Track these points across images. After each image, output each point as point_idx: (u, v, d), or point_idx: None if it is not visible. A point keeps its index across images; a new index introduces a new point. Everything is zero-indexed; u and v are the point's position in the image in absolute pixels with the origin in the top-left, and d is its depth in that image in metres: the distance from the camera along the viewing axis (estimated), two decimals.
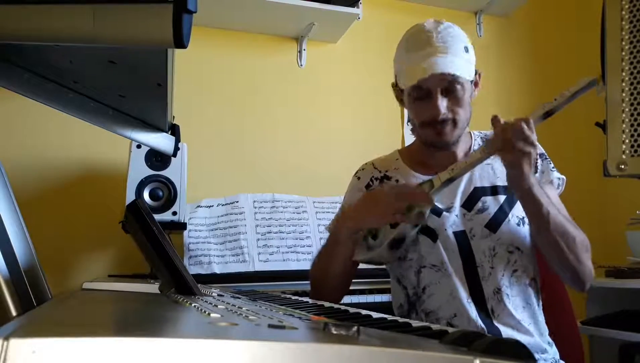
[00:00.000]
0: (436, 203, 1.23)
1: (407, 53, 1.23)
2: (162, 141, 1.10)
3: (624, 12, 0.68)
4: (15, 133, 2.07)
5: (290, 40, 2.48)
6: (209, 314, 0.47)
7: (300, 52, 2.46)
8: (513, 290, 1.20)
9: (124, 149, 1.89)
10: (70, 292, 0.90)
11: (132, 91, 0.90)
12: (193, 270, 1.84)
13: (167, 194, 1.82)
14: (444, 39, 1.20)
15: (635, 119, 0.66)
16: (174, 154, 1.17)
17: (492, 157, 1.14)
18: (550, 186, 1.26)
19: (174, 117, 1.14)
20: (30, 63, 0.83)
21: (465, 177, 1.25)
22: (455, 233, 1.22)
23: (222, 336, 0.35)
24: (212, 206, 2.03)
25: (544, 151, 1.30)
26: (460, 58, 1.20)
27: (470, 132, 1.36)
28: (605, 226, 2.48)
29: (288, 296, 1.15)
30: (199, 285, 0.84)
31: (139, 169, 1.81)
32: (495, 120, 1.09)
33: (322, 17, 2.27)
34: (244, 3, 2.17)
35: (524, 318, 1.19)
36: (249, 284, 1.78)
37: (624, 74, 0.67)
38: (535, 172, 1.27)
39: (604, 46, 0.70)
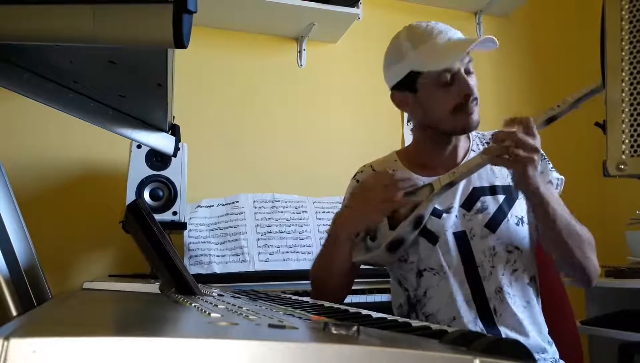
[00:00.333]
0: (436, 205, 1.23)
1: (421, 45, 1.21)
2: (162, 141, 1.10)
3: (624, 12, 0.68)
4: (15, 133, 2.08)
5: (290, 40, 2.48)
6: (209, 314, 0.47)
7: (300, 52, 2.47)
8: (513, 289, 1.21)
9: (124, 149, 1.89)
10: (71, 292, 0.91)
11: (132, 91, 0.90)
12: (193, 270, 1.84)
13: (167, 194, 1.82)
14: (444, 25, 1.24)
15: (635, 119, 0.66)
16: (174, 154, 1.16)
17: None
18: (550, 186, 1.26)
19: (174, 117, 1.14)
20: (30, 63, 0.83)
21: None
22: (455, 234, 1.23)
23: (222, 336, 0.35)
24: (212, 206, 2.03)
25: (543, 152, 1.30)
26: None
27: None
28: (605, 226, 2.48)
29: (288, 296, 1.14)
30: (199, 284, 0.84)
31: (139, 169, 1.81)
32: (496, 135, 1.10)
33: (322, 17, 2.27)
34: (244, 3, 2.17)
35: (524, 318, 1.19)
36: (249, 284, 1.78)
37: (623, 74, 0.67)
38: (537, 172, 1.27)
39: (603, 46, 0.70)
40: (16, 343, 0.28)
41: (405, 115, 2.47)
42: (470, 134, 1.36)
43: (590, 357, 2.24)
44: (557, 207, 1.12)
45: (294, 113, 2.44)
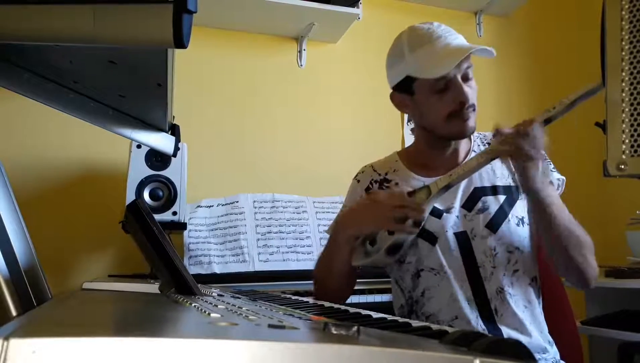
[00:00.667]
0: (436, 204, 1.23)
1: (418, 49, 1.20)
2: (162, 141, 1.10)
3: (624, 12, 0.68)
4: (15, 133, 2.07)
5: (290, 40, 2.48)
6: (209, 314, 0.47)
7: (300, 52, 2.46)
8: (514, 290, 1.21)
9: (124, 149, 1.89)
10: (70, 292, 0.91)
11: (132, 91, 0.89)
12: (193, 270, 1.84)
13: (167, 194, 1.82)
14: (445, 27, 1.23)
15: (635, 119, 0.66)
16: (174, 154, 1.16)
17: (492, 161, 1.14)
18: (551, 187, 1.26)
19: (174, 117, 1.13)
20: (30, 63, 0.83)
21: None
22: (456, 234, 1.23)
23: (222, 336, 0.35)
24: (212, 206, 2.03)
25: (544, 152, 1.30)
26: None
27: None
28: (605, 226, 2.48)
29: (288, 296, 1.15)
30: (199, 285, 0.84)
31: (139, 169, 1.81)
32: (497, 133, 1.10)
33: (322, 17, 2.27)
34: (244, 3, 2.17)
35: (525, 318, 1.19)
36: (249, 284, 1.78)
37: (624, 74, 0.67)
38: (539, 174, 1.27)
39: (604, 46, 0.70)
40: (16, 344, 0.28)
41: (406, 115, 2.48)
42: (471, 135, 1.36)
43: (590, 357, 2.24)
44: (558, 209, 1.13)
45: (294, 113, 2.44)
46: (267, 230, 1.99)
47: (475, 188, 1.26)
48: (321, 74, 2.50)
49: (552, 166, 1.30)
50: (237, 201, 2.04)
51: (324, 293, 1.29)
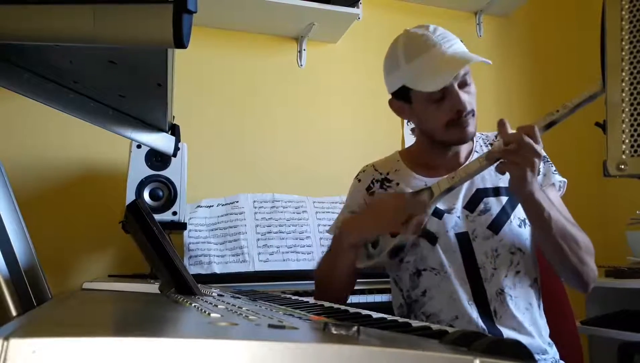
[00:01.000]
0: (438, 205, 1.23)
1: (414, 59, 1.19)
2: (162, 141, 1.10)
3: (624, 12, 0.68)
4: (15, 133, 2.07)
5: (290, 40, 2.48)
6: (209, 314, 0.47)
7: (300, 52, 2.46)
8: (516, 291, 1.20)
9: (124, 149, 1.89)
10: (70, 292, 0.91)
11: (132, 91, 0.89)
12: (193, 270, 1.84)
13: (167, 194, 1.82)
14: (443, 32, 1.21)
15: (635, 119, 0.66)
16: (174, 154, 1.16)
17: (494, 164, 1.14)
18: (552, 189, 1.26)
19: (174, 117, 1.13)
20: (30, 63, 0.83)
21: None
22: (457, 235, 1.22)
23: (222, 336, 0.35)
24: (212, 206, 2.03)
25: (545, 154, 1.30)
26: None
27: None
28: (605, 226, 2.48)
29: (288, 296, 1.15)
30: (199, 285, 0.84)
31: (139, 169, 1.81)
32: (500, 125, 1.09)
33: (322, 17, 2.27)
34: (244, 3, 2.17)
35: (525, 320, 1.19)
36: (249, 284, 1.78)
37: (623, 74, 0.67)
38: (537, 175, 1.27)
39: (604, 46, 0.70)
40: (16, 343, 0.28)
41: None
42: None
43: (590, 357, 2.24)
44: (553, 212, 1.12)
45: (294, 113, 2.44)
46: (267, 230, 1.99)
47: (478, 189, 1.26)
48: (321, 74, 2.49)
49: (553, 168, 1.29)
50: (237, 201, 2.04)
51: (324, 294, 1.29)
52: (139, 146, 1.81)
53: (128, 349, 0.30)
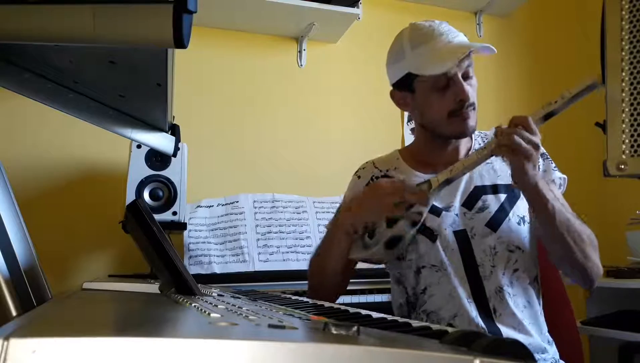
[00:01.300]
0: (435, 203, 1.23)
1: (419, 46, 1.21)
2: (162, 141, 1.10)
3: (624, 12, 0.68)
4: (15, 133, 2.07)
5: (290, 40, 2.48)
6: (209, 314, 0.47)
7: (300, 52, 2.47)
8: (514, 289, 1.20)
9: (124, 149, 1.89)
10: (71, 292, 0.90)
11: (132, 91, 0.90)
12: (193, 270, 1.84)
13: (167, 194, 1.82)
14: (447, 25, 1.23)
15: (635, 119, 0.66)
16: (174, 154, 1.17)
17: (491, 157, 1.14)
18: (553, 185, 1.26)
19: (174, 117, 1.14)
20: (30, 63, 0.83)
21: (466, 176, 1.25)
22: (456, 232, 1.22)
23: (222, 336, 0.35)
24: (212, 206, 2.03)
25: (545, 151, 1.30)
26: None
27: None
28: (605, 226, 2.48)
29: (288, 296, 1.14)
30: (199, 285, 0.84)
31: (139, 169, 1.81)
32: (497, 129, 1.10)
33: (322, 17, 2.27)
34: (244, 3, 2.17)
35: (525, 318, 1.19)
36: (249, 284, 1.78)
37: (624, 74, 0.67)
38: (537, 169, 1.27)
39: (604, 46, 0.70)
40: (16, 343, 0.28)
41: (406, 114, 2.48)
42: (472, 134, 1.36)
43: (590, 357, 2.24)
44: (557, 205, 1.12)
45: (294, 113, 2.44)
46: (267, 230, 1.99)
47: (476, 187, 1.26)
48: (321, 74, 2.50)
49: (553, 164, 1.30)
50: (237, 201, 2.04)
51: (317, 289, 1.28)
52: (139, 146, 1.81)
53: (128, 349, 0.30)
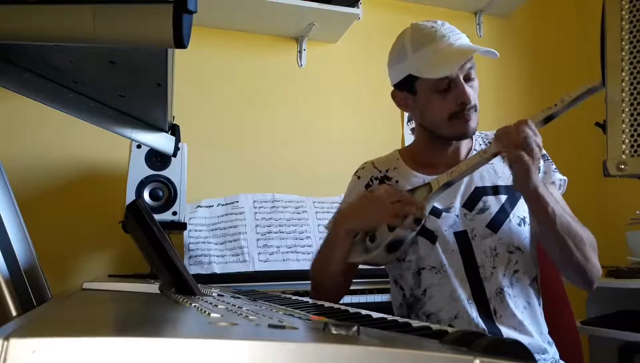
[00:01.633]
0: (435, 204, 1.23)
1: (421, 48, 1.20)
2: (162, 141, 1.10)
3: (624, 12, 0.68)
4: (15, 133, 2.07)
5: (290, 40, 2.48)
6: (209, 314, 0.47)
7: (300, 52, 2.46)
8: (515, 290, 1.20)
9: (124, 149, 1.89)
10: (71, 292, 0.91)
11: (132, 91, 0.90)
12: (193, 270, 1.84)
13: (167, 194, 1.82)
14: (449, 26, 1.23)
15: (635, 119, 0.66)
16: (174, 154, 1.17)
17: (492, 159, 1.14)
18: (553, 187, 1.26)
19: (174, 117, 1.14)
20: (30, 63, 0.83)
21: (466, 177, 1.25)
22: (456, 234, 1.22)
23: (222, 336, 0.35)
24: (212, 206, 2.03)
25: (545, 152, 1.30)
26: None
27: None
28: (605, 226, 2.48)
29: (288, 296, 1.14)
30: (199, 285, 0.84)
31: (139, 169, 1.81)
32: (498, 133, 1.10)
33: (322, 17, 2.27)
34: (244, 3, 2.17)
35: (525, 319, 1.19)
36: (249, 284, 1.78)
37: (623, 74, 0.67)
38: (538, 173, 1.27)
39: (604, 46, 0.70)
40: (16, 343, 0.28)
41: (406, 114, 2.48)
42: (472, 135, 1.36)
43: (590, 357, 2.24)
44: (557, 208, 1.12)
45: (294, 113, 2.44)
46: (267, 230, 1.99)
47: (477, 188, 1.26)
48: (321, 74, 2.50)
49: (553, 166, 1.29)
50: (237, 201, 2.04)
51: (319, 289, 1.28)
52: (139, 146, 1.81)
53: (128, 349, 0.30)
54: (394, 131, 2.54)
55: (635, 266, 2.07)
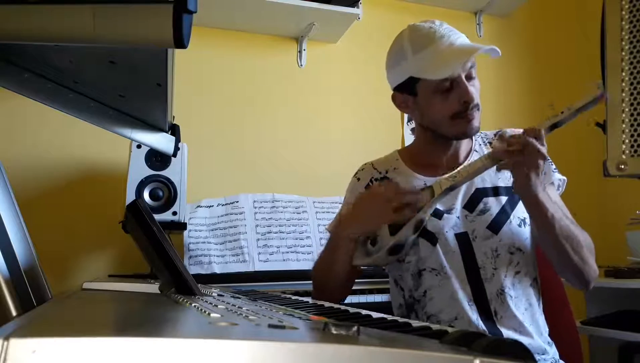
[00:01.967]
0: (436, 205, 1.22)
1: (421, 50, 1.20)
2: (162, 141, 1.10)
3: (624, 12, 0.68)
4: (15, 133, 2.07)
5: (290, 40, 2.48)
6: (209, 314, 0.47)
7: (300, 52, 2.47)
8: (516, 291, 1.20)
9: (124, 149, 1.89)
10: (71, 292, 0.91)
11: (132, 91, 0.90)
12: (193, 270, 1.84)
13: (167, 194, 1.82)
14: (447, 26, 1.22)
15: (635, 119, 0.66)
16: (174, 154, 1.17)
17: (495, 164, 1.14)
18: (552, 187, 1.26)
19: (174, 117, 1.14)
20: (30, 63, 0.83)
21: None
22: (457, 235, 1.22)
23: (222, 336, 0.35)
24: (212, 206, 2.03)
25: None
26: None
27: None
28: (605, 226, 2.48)
29: (288, 296, 1.14)
30: (199, 285, 0.84)
31: (139, 169, 1.81)
32: (500, 136, 1.10)
33: (322, 17, 2.27)
34: (244, 3, 2.17)
35: (525, 319, 1.19)
36: (249, 284, 1.78)
37: (623, 74, 0.67)
38: (539, 180, 1.27)
39: (604, 46, 0.70)
40: (16, 343, 0.28)
41: (406, 115, 2.47)
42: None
43: (590, 357, 2.24)
44: (557, 214, 1.12)
45: (294, 113, 2.44)
46: (267, 230, 1.99)
47: (477, 189, 1.26)
48: (321, 74, 2.49)
49: (553, 166, 1.29)
50: (237, 201, 2.04)
51: (322, 292, 1.28)
52: (139, 146, 1.81)
53: (128, 349, 0.30)
54: (394, 131, 2.54)
55: (635, 266, 2.07)
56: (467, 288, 1.20)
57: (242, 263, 1.89)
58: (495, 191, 1.25)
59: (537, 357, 1.17)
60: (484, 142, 1.35)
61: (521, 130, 1.11)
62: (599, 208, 2.64)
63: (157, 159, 1.83)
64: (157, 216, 1.72)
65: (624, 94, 0.67)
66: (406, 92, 1.27)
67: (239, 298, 0.87)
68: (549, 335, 1.24)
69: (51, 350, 0.29)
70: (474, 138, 1.35)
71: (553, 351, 1.21)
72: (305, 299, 1.05)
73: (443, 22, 1.23)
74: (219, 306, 0.58)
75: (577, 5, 2.84)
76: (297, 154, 2.40)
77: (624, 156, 0.66)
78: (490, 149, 1.31)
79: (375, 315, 0.68)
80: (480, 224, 1.22)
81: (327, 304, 0.89)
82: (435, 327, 0.55)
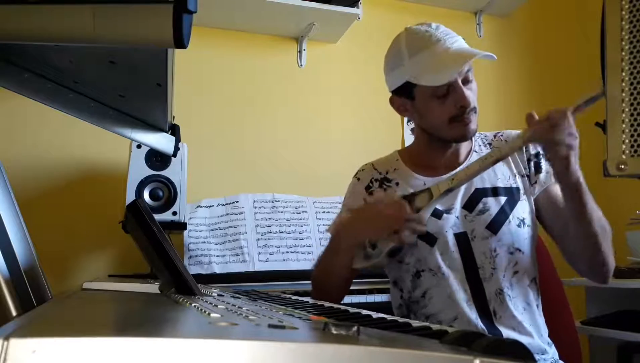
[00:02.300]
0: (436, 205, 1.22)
1: (417, 54, 1.19)
2: (162, 141, 1.10)
3: (624, 12, 0.68)
4: (15, 133, 2.08)
5: (290, 40, 2.48)
6: (209, 314, 0.47)
7: (300, 52, 2.47)
8: (514, 291, 1.20)
9: (124, 149, 1.89)
10: (71, 292, 0.91)
11: (132, 91, 0.90)
12: (193, 270, 1.84)
13: (167, 194, 1.83)
14: (444, 29, 1.22)
15: (635, 119, 0.66)
16: (174, 154, 1.17)
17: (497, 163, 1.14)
18: (556, 187, 1.26)
19: (174, 117, 1.14)
20: (30, 63, 0.83)
21: None
22: (456, 235, 1.22)
23: (222, 336, 0.35)
24: (212, 206, 2.03)
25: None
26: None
27: None
28: None
29: (288, 296, 1.14)
30: (199, 285, 0.84)
31: (139, 169, 1.81)
32: (529, 116, 1.08)
33: (322, 17, 2.27)
34: (244, 3, 2.17)
35: (524, 319, 1.19)
36: (249, 284, 1.78)
37: (624, 74, 0.67)
38: (540, 172, 1.27)
39: (604, 46, 0.70)
40: (16, 343, 0.28)
41: None
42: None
43: (590, 357, 2.24)
44: (590, 198, 1.12)
45: (294, 113, 2.44)
46: (267, 230, 1.99)
47: (476, 189, 1.26)
48: (321, 74, 2.50)
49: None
50: (237, 201, 2.04)
51: (321, 292, 1.28)
52: (139, 146, 1.81)
53: (128, 349, 0.30)
54: (394, 131, 2.54)
55: (635, 266, 2.07)
56: (466, 288, 1.20)
57: (242, 263, 1.89)
58: (495, 192, 1.25)
59: (536, 356, 1.17)
60: (483, 142, 1.36)
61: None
62: (599, 208, 2.64)
63: (157, 159, 1.83)
64: (157, 216, 1.72)
65: (624, 94, 0.67)
66: (404, 95, 1.27)
67: (239, 298, 0.87)
68: (548, 334, 1.24)
69: (51, 350, 0.29)
70: (473, 138, 1.35)
71: (553, 351, 1.21)
72: (305, 299, 1.05)
73: (440, 25, 1.22)
74: (219, 307, 0.58)
75: (577, 5, 2.85)
76: (297, 154, 2.40)
77: (624, 156, 0.66)
78: (490, 150, 1.31)
79: (375, 315, 0.68)
80: (480, 224, 1.22)
81: (327, 304, 0.89)
82: (435, 326, 0.55)
